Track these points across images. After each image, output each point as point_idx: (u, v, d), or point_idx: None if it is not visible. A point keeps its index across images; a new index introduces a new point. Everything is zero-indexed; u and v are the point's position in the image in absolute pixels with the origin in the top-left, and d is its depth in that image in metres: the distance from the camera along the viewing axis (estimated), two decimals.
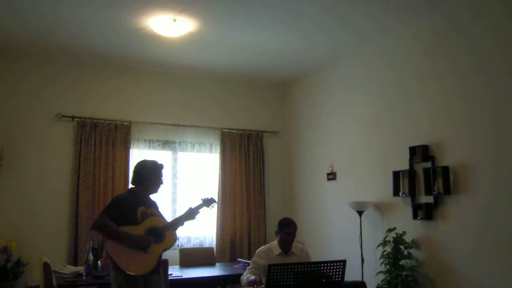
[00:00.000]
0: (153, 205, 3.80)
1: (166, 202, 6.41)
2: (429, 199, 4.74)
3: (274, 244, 4.21)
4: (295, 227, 4.19)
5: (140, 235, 3.50)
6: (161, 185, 3.79)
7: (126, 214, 3.53)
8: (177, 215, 4.00)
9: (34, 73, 6.03)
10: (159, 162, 3.82)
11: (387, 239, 4.92)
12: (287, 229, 4.13)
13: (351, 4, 4.65)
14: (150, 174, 3.70)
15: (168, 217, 4.03)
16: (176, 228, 3.81)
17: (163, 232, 3.63)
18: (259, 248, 4.28)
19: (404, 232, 4.85)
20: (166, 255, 5.62)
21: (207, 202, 4.02)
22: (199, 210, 3.92)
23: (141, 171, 3.70)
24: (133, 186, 3.75)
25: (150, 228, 3.58)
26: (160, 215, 3.78)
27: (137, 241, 3.47)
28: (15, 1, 4.55)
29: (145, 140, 6.46)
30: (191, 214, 3.87)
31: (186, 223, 3.88)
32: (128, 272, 3.38)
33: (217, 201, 4.11)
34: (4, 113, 5.79)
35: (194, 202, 4.01)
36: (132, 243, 3.46)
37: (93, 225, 3.53)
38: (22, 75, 5.96)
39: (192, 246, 6.45)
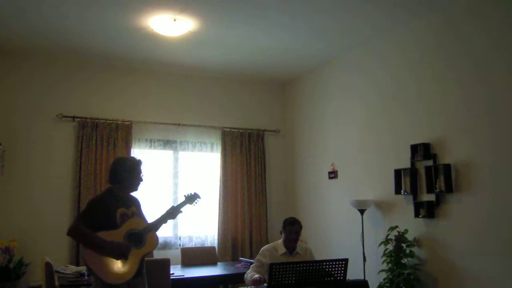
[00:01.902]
0: (134, 203, 3.57)
1: (167, 202, 6.40)
2: (431, 197, 4.73)
3: (279, 243, 4.22)
4: (300, 226, 4.21)
5: (118, 243, 3.27)
6: (141, 182, 3.54)
7: (103, 218, 3.32)
8: (162, 215, 3.81)
9: (35, 73, 6.04)
10: (137, 158, 3.61)
11: (389, 237, 4.91)
12: (292, 228, 4.14)
13: (348, 5, 4.66)
14: (128, 172, 3.46)
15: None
16: (157, 229, 3.56)
17: (143, 235, 3.40)
18: (264, 247, 4.28)
19: (406, 230, 4.84)
20: (168, 254, 5.68)
21: (190, 199, 3.79)
22: (182, 209, 3.70)
23: (119, 169, 3.46)
24: (111, 186, 3.50)
25: (130, 232, 3.36)
26: (141, 215, 3.56)
27: (115, 249, 3.25)
28: (17, 1, 4.55)
29: (146, 140, 6.46)
30: (172, 213, 3.64)
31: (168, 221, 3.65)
32: (108, 282, 3.19)
33: (201, 196, 3.85)
34: (6, 114, 5.80)
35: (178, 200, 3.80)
36: (110, 251, 3.24)
37: (68, 232, 3.29)
38: (23, 76, 5.97)
39: (193, 246, 6.45)
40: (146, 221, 3.53)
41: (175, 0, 4.56)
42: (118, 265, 3.26)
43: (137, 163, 3.53)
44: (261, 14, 4.91)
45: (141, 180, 3.55)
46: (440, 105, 4.73)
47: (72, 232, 3.30)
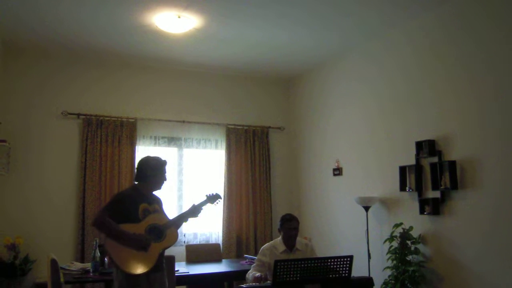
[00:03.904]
0: (157, 201, 3.74)
1: (172, 199, 6.42)
2: (436, 194, 4.72)
3: (278, 241, 4.21)
4: (297, 222, 4.20)
5: (139, 234, 3.45)
6: (165, 182, 3.72)
7: (127, 211, 3.49)
8: (183, 212, 3.95)
9: (40, 71, 6.05)
10: (163, 158, 3.76)
11: (393, 234, 4.91)
12: (289, 225, 4.14)
13: None
14: (153, 171, 3.63)
15: (174, 215, 4.00)
16: (178, 225, 3.76)
17: (164, 230, 3.58)
18: (263, 246, 4.28)
19: (411, 227, 4.83)
20: (173, 251, 5.65)
21: (212, 199, 3.94)
22: (203, 207, 3.86)
23: (144, 167, 3.64)
24: (136, 183, 3.70)
25: (151, 226, 3.53)
26: (162, 212, 3.73)
27: (136, 241, 3.43)
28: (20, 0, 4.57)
29: (150, 137, 6.46)
30: (194, 211, 3.81)
31: (189, 219, 3.83)
32: (127, 271, 3.35)
33: (222, 197, 4.02)
34: (11, 111, 5.81)
35: (198, 199, 3.94)
36: (131, 242, 3.41)
37: (93, 222, 3.49)
38: (28, 73, 5.98)
39: (198, 243, 6.46)
40: (167, 218, 3.69)
41: None
42: (137, 257, 3.42)
43: (162, 164, 3.70)
44: (266, 11, 4.89)
45: (165, 179, 3.72)
46: (445, 101, 4.71)
47: (97, 222, 3.47)
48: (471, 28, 4.49)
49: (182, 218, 3.77)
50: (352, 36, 5.63)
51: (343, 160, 6.19)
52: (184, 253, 5.70)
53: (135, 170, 3.73)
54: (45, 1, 4.61)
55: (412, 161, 4.99)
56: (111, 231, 3.42)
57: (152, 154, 3.82)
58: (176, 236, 3.69)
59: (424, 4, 4.74)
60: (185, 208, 3.88)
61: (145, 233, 3.49)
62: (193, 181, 6.61)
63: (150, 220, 3.55)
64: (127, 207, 3.51)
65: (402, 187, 5.06)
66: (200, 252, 5.76)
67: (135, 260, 3.40)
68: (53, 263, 4.05)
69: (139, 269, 3.39)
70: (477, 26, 4.42)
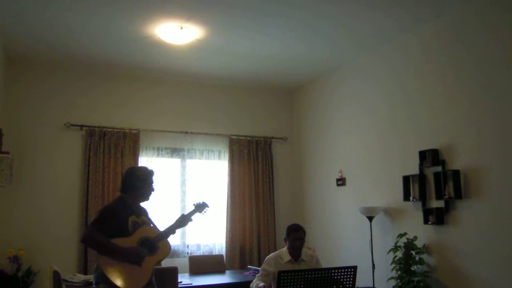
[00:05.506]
0: (144, 212, 3.64)
1: (175, 210, 6.40)
2: (440, 204, 4.69)
3: (283, 251, 4.18)
4: (304, 232, 4.17)
5: (133, 248, 3.33)
6: (152, 192, 3.61)
7: (116, 225, 3.36)
8: (173, 223, 3.84)
9: (43, 82, 6.08)
10: (149, 168, 3.67)
11: (398, 244, 4.87)
12: (296, 235, 4.10)
13: (354, 12, 4.67)
14: (140, 181, 3.53)
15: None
16: (168, 237, 3.63)
17: (156, 243, 3.47)
18: (269, 255, 4.26)
19: (415, 237, 4.80)
20: (176, 262, 5.67)
21: (199, 208, 3.88)
22: (192, 217, 3.79)
23: (132, 178, 3.54)
24: (123, 194, 3.57)
25: (142, 239, 3.42)
26: (151, 224, 3.62)
27: (131, 254, 3.31)
28: (24, 11, 4.60)
29: (153, 148, 6.47)
30: (183, 221, 3.73)
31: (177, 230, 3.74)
32: None
33: (209, 205, 3.95)
34: (14, 123, 5.83)
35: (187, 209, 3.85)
36: (125, 256, 3.29)
37: (82, 239, 3.38)
38: (31, 85, 6.01)
39: (201, 254, 6.43)
40: (157, 229, 3.58)
41: (181, 8, 4.59)
42: (132, 272, 3.30)
43: (149, 173, 3.61)
44: (268, 22, 4.92)
45: (153, 190, 3.62)
46: (449, 110, 4.70)
47: (87, 239, 3.38)
48: (466, 39, 4.52)
49: (172, 229, 3.65)
50: (351, 48, 5.65)
51: (347, 170, 6.18)
52: (187, 264, 5.68)
53: (121, 181, 3.62)
54: (48, 14, 4.65)
55: (415, 170, 4.97)
56: (103, 246, 3.29)
57: (138, 165, 3.71)
58: (169, 248, 3.58)
59: (419, 16, 4.78)
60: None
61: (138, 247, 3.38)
62: (196, 192, 6.59)
63: (141, 233, 3.44)
64: (117, 220, 3.38)
65: (406, 197, 5.04)
66: (203, 263, 5.74)
67: (130, 275, 3.28)
68: (56, 274, 4.04)
69: (135, 285, 3.28)
70: (472, 38, 4.45)
